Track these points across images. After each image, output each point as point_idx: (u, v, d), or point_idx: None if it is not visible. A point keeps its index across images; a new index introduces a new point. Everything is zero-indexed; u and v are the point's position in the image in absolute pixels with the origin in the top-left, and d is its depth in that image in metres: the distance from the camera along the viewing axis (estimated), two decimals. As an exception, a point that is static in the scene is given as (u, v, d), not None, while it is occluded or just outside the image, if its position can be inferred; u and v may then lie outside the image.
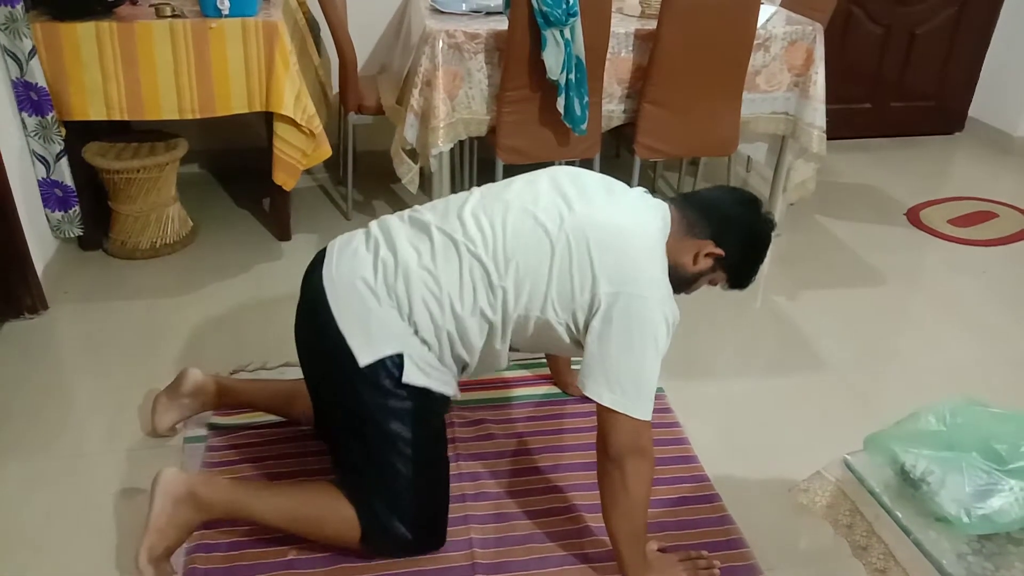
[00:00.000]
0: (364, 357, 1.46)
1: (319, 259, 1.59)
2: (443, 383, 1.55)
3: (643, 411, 1.42)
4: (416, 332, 1.49)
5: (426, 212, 1.59)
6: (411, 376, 1.48)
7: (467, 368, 1.59)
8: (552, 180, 1.58)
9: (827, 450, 1.48)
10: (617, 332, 1.42)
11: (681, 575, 1.56)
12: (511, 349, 1.59)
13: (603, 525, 1.68)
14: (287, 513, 1.55)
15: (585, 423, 2.00)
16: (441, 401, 1.57)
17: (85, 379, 2.14)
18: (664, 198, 1.64)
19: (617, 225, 1.50)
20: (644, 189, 1.65)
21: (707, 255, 1.56)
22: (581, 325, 1.48)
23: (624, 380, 1.41)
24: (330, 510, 1.53)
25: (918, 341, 2.50)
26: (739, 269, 1.61)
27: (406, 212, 1.62)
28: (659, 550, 1.61)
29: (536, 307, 1.49)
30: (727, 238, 1.56)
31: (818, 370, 2.31)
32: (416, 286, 1.48)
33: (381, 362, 1.47)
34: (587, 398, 1.45)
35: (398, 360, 1.47)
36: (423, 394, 1.51)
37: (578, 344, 1.53)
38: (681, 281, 1.59)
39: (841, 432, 1.58)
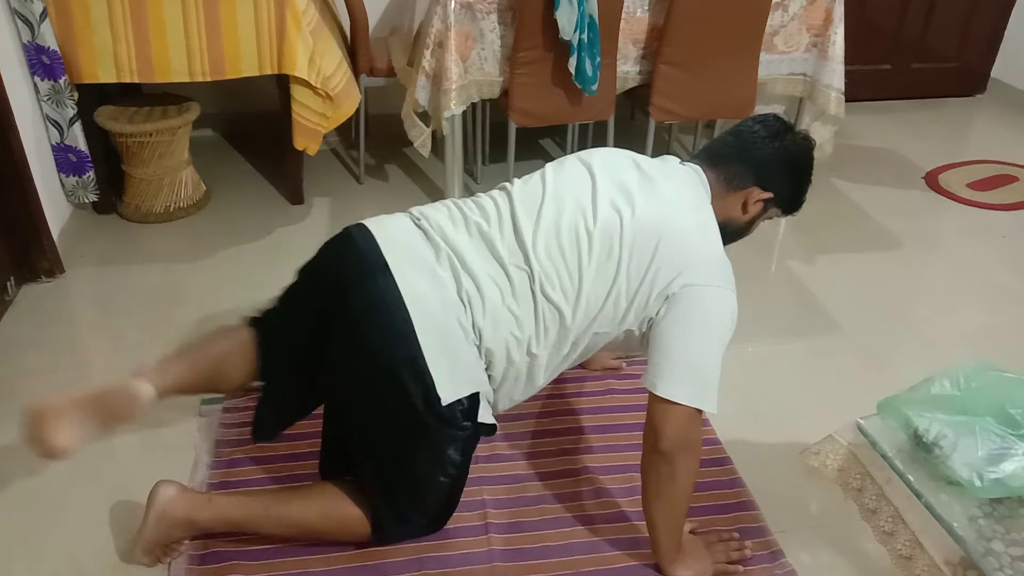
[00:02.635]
0: (447, 395, 1.39)
1: (377, 260, 1.43)
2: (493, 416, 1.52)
3: (711, 403, 1.39)
4: (487, 368, 1.46)
5: (487, 226, 1.49)
6: (484, 415, 1.46)
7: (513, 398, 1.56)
8: (594, 181, 1.51)
9: (840, 414, 1.48)
10: (688, 327, 1.40)
11: (715, 556, 1.55)
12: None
13: (616, 487, 1.70)
14: (292, 525, 1.52)
15: (601, 387, 2.01)
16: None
17: (101, 341, 2.17)
18: (688, 157, 1.62)
19: (672, 225, 1.45)
20: (678, 160, 1.61)
21: (756, 202, 1.55)
22: (649, 326, 1.46)
23: (695, 374, 1.38)
24: (338, 513, 1.51)
25: (934, 306, 2.49)
26: (791, 199, 1.61)
27: (458, 214, 1.53)
28: (691, 531, 1.60)
29: (609, 326, 1.48)
30: (772, 179, 1.55)
31: (832, 334, 2.30)
32: (501, 329, 1.43)
33: (459, 400, 1.41)
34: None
35: (475, 398, 1.43)
36: (483, 426, 1.49)
37: (644, 341, 1.50)
38: (738, 232, 1.60)
39: (854, 396, 1.58)
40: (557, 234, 1.46)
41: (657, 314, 1.43)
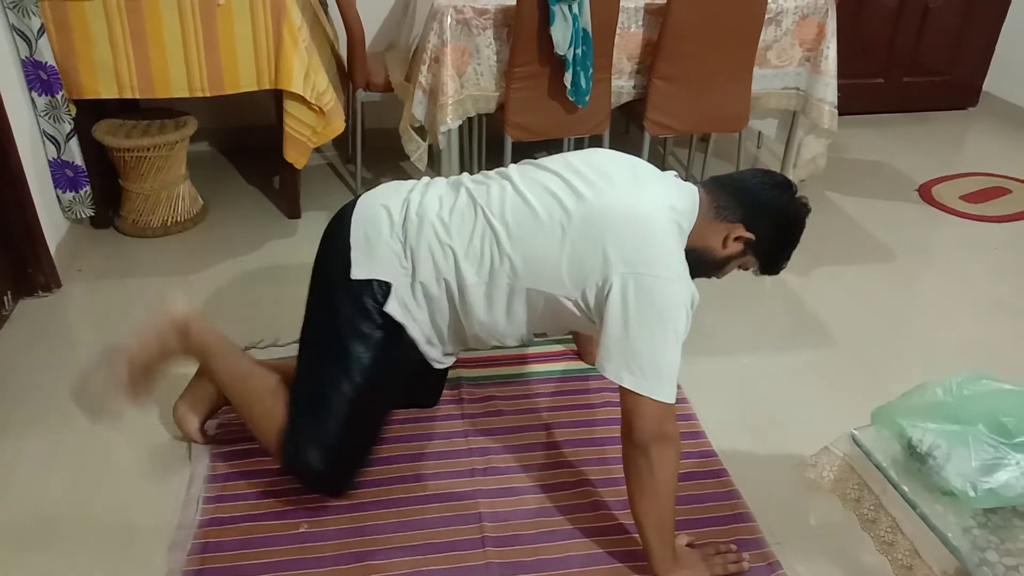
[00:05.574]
0: (358, 271, 1.56)
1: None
2: (423, 334, 1.61)
3: (665, 394, 1.40)
4: (414, 274, 1.55)
5: (466, 178, 1.66)
6: (392, 308, 1.56)
7: (465, 331, 1.62)
8: (583, 162, 1.59)
9: (836, 425, 1.48)
10: (635, 313, 1.42)
11: (712, 568, 1.54)
12: (538, 335, 1.62)
13: (613, 499, 1.70)
14: (237, 386, 1.68)
15: (597, 399, 2.01)
16: (410, 349, 1.61)
17: (98, 355, 2.16)
18: (694, 181, 1.65)
19: (634, 208, 1.49)
20: (675, 173, 1.65)
21: (737, 239, 1.55)
22: (592, 304, 1.49)
23: (644, 361, 1.40)
24: (269, 402, 1.62)
25: (929, 317, 2.50)
26: (771, 254, 1.61)
27: (452, 177, 1.70)
28: (688, 544, 1.60)
29: (544, 283, 1.51)
30: (758, 222, 1.55)
31: (828, 346, 2.31)
32: (426, 230, 1.55)
33: (371, 282, 1.55)
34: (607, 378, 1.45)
35: (386, 288, 1.55)
36: (397, 331, 1.58)
37: (591, 321, 1.54)
38: (710, 265, 1.59)
39: (850, 407, 1.59)
40: (528, 189, 1.56)
41: (598, 296, 1.46)
